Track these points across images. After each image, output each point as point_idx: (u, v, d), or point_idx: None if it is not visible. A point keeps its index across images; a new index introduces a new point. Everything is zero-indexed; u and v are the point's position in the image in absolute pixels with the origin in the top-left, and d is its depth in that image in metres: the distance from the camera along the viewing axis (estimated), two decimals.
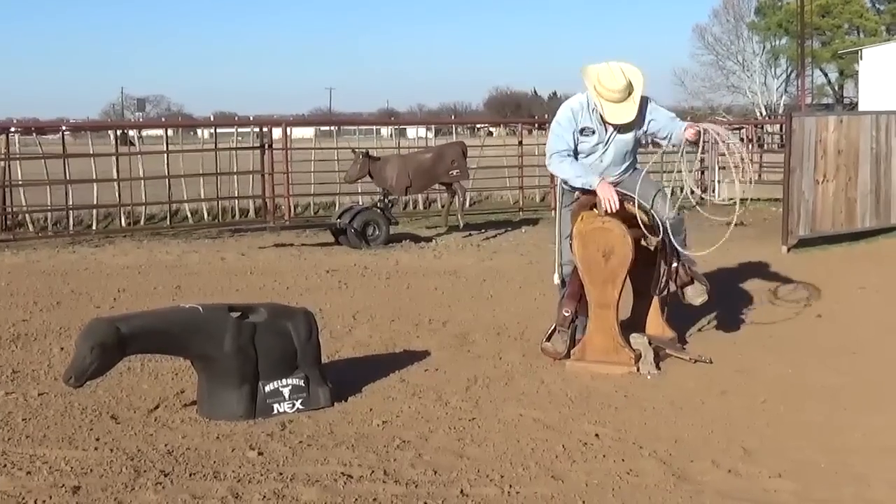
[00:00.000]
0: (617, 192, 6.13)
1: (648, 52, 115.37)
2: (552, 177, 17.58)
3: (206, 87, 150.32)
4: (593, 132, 6.20)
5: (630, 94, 6.05)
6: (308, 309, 5.67)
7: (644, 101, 6.18)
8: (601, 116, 6.12)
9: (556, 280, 6.52)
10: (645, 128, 6.27)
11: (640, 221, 6.10)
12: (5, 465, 4.41)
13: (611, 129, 6.19)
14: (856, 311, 8.11)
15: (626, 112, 6.07)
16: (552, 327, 6.45)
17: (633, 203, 6.10)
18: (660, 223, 6.12)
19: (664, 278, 6.28)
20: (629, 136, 6.25)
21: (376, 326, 7.45)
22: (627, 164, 6.37)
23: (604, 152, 6.25)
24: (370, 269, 10.55)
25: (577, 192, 6.35)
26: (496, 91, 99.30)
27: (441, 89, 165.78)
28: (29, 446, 4.68)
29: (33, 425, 5.00)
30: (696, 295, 6.40)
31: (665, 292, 6.37)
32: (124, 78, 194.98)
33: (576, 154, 6.25)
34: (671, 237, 6.16)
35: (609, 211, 6.03)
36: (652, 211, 6.17)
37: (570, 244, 6.25)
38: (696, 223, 7.16)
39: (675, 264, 6.28)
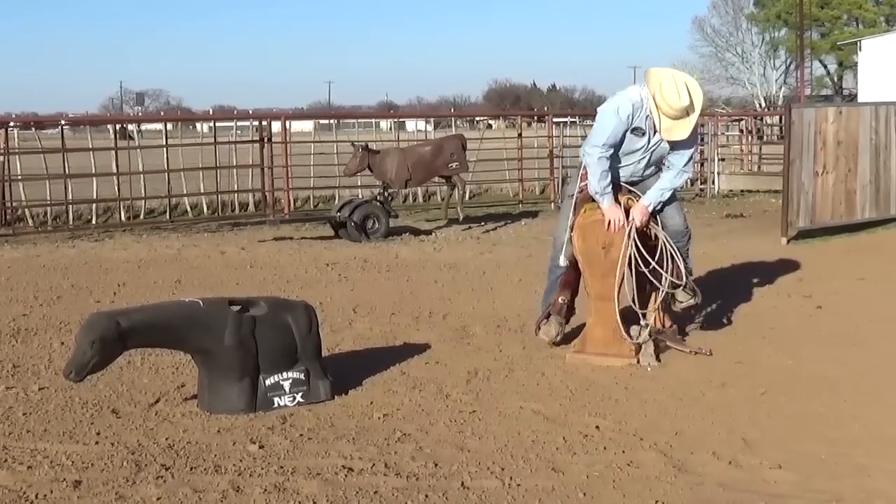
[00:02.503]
0: (626, 188, 6.16)
1: (647, 44, 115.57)
2: (552, 169, 17.69)
3: (205, 81, 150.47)
4: (643, 134, 6.09)
5: (688, 114, 5.92)
6: (308, 302, 5.67)
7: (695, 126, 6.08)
8: (653, 123, 6.02)
9: (563, 262, 6.41)
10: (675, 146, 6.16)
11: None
12: (6, 460, 4.41)
13: (658, 136, 6.09)
14: (856, 302, 8.11)
15: (680, 130, 5.96)
16: (545, 313, 6.46)
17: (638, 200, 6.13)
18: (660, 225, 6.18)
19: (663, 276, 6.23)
20: (668, 146, 6.15)
21: (376, 319, 7.45)
22: (656, 168, 6.33)
23: (642, 156, 6.19)
24: (370, 262, 10.54)
25: (582, 183, 6.30)
26: (495, 83, 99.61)
27: (440, 82, 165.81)
28: (30, 441, 4.68)
29: (34, 420, 5.00)
30: (685, 300, 6.41)
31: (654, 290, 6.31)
32: (123, 72, 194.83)
33: (616, 150, 6.13)
34: (671, 241, 6.18)
35: (611, 231, 6.04)
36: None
37: (571, 237, 6.23)
38: (693, 219, 7.13)
39: (671, 265, 6.25)
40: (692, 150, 6.28)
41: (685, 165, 6.24)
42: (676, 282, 6.21)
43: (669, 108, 5.88)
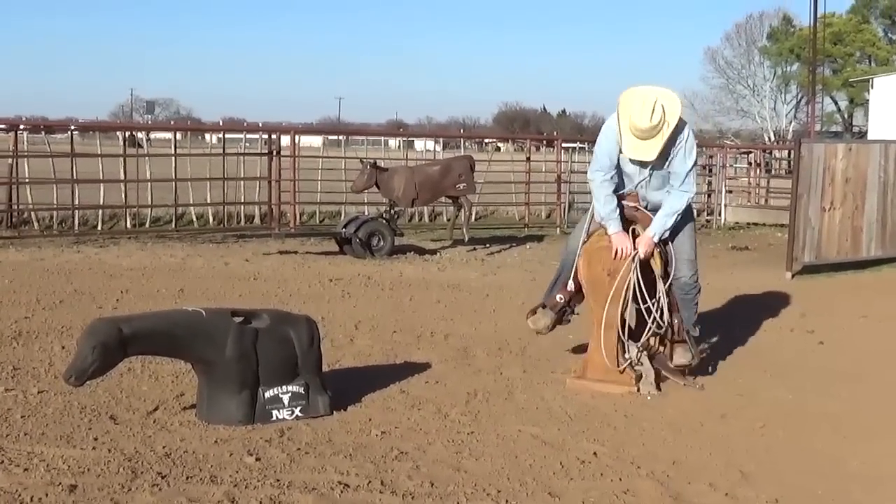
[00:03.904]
0: (643, 211, 6.16)
1: (659, 73, 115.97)
2: (559, 194, 17.72)
3: (216, 92, 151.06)
4: None
5: (658, 132, 5.77)
6: (310, 317, 5.67)
7: (681, 134, 5.94)
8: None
9: (571, 286, 6.37)
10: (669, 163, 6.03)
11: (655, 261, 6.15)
12: (2, 462, 4.40)
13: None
14: (858, 340, 8.10)
15: (647, 150, 5.82)
16: (540, 304, 6.49)
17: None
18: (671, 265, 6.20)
19: (653, 325, 6.14)
20: (665, 164, 6.04)
21: (378, 337, 7.45)
22: (662, 191, 6.17)
23: (640, 178, 6.11)
24: (373, 279, 10.55)
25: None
26: (505, 106, 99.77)
27: (450, 103, 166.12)
28: (27, 443, 4.67)
29: (32, 423, 4.99)
30: (680, 358, 6.28)
31: (649, 340, 6.23)
32: (134, 80, 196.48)
33: (620, 173, 6.11)
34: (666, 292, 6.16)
35: (618, 258, 6.03)
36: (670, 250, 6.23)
37: (577, 259, 6.23)
38: (698, 250, 7.11)
39: (674, 320, 6.23)
40: (689, 167, 6.06)
41: (682, 185, 6.06)
42: (657, 329, 6.16)
43: (634, 127, 5.78)
